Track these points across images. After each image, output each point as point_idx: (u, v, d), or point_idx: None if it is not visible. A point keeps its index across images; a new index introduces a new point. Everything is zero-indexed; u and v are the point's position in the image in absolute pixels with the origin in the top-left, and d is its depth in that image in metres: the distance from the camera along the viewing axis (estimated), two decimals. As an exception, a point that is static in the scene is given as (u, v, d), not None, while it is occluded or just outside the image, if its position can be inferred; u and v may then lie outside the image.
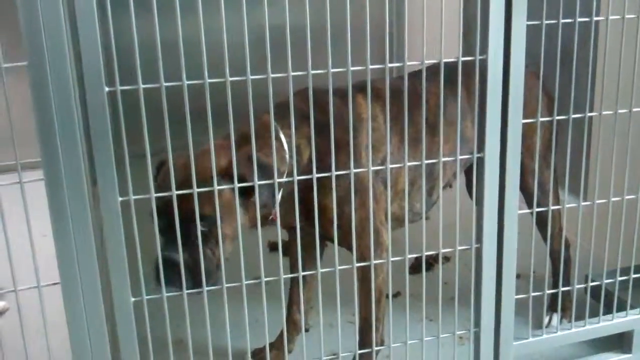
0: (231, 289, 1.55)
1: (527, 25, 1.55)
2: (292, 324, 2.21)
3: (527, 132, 1.70)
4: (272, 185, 1.54)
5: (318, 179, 1.50)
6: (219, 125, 1.50)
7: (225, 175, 1.61)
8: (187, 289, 1.52)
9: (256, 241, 1.53)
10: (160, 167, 1.73)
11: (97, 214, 1.49)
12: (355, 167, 1.63)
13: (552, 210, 1.99)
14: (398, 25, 3.90)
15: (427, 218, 1.86)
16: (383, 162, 1.81)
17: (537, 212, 1.81)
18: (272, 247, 2.71)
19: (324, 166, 1.53)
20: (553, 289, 2.03)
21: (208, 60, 1.39)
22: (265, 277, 1.57)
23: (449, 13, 1.57)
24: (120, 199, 1.43)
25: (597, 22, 1.64)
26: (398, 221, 1.97)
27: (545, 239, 1.98)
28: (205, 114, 1.41)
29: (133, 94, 1.39)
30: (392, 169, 1.68)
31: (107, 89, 1.37)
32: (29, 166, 1.55)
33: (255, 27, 1.53)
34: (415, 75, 1.68)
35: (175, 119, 1.44)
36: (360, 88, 1.76)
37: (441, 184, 1.77)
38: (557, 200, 2.18)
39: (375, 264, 1.68)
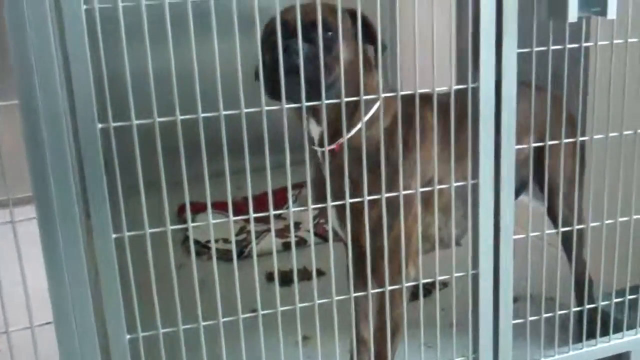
0: (227, 324, 1.54)
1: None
2: (362, 344, 2.13)
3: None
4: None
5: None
6: (215, 157, 1.49)
7: None
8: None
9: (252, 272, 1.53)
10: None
11: (90, 248, 1.47)
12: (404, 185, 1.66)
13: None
14: (391, 54, 3.93)
15: (459, 244, 1.85)
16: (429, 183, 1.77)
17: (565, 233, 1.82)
18: (270, 277, 2.69)
19: None
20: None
21: (202, 92, 1.38)
22: (263, 309, 1.56)
23: (441, 42, 1.57)
24: (114, 235, 1.42)
25: (587, 47, 1.65)
26: (430, 245, 1.94)
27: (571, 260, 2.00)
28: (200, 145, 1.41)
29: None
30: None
31: (99, 125, 1.36)
32: (24, 201, 1.53)
33: (248, 57, 1.52)
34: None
35: (170, 151, 1.44)
36: (426, 101, 1.68)
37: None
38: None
39: (395, 294, 1.66)
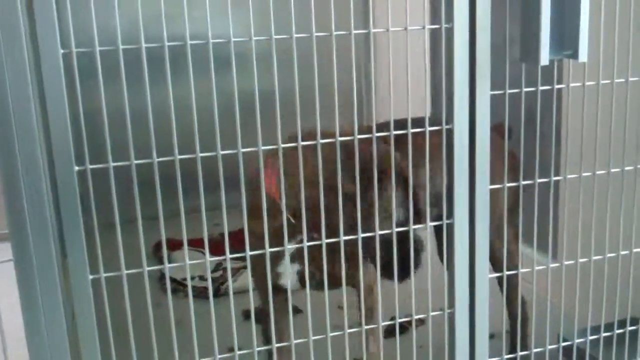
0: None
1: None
2: None
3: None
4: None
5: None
6: (191, 194, 1.50)
7: None
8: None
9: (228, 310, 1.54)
10: None
11: (67, 289, 1.48)
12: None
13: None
14: (366, 87, 3.96)
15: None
16: None
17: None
18: (247, 315, 2.68)
19: None
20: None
21: (179, 131, 1.40)
22: (241, 348, 1.56)
23: (416, 77, 1.60)
24: (91, 277, 1.42)
25: (560, 89, 1.68)
26: None
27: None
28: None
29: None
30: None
31: (76, 168, 1.37)
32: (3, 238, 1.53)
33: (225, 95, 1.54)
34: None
35: (146, 188, 1.44)
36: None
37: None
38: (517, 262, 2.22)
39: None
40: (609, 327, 1.94)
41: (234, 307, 1.57)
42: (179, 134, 1.42)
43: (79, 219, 1.39)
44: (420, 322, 2.67)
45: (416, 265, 1.76)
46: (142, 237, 1.44)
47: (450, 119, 1.60)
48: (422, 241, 1.80)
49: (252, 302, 1.61)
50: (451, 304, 1.72)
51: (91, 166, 1.37)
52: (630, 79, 1.73)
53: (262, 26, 1.48)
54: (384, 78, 1.55)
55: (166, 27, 1.35)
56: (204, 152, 1.45)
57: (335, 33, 1.48)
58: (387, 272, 1.71)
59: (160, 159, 1.41)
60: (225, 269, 3.10)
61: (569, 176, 1.75)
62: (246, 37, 1.42)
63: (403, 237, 1.69)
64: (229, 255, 1.52)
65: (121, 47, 1.34)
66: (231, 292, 1.58)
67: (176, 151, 1.42)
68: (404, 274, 1.74)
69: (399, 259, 1.68)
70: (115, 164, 1.39)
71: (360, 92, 3.96)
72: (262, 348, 1.60)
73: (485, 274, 1.72)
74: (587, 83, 1.69)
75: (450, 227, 1.66)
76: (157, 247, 3.13)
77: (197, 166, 1.42)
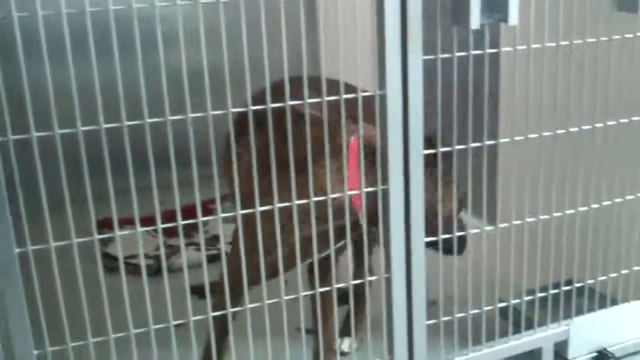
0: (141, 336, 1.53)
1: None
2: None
3: None
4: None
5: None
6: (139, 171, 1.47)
7: None
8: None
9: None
10: None
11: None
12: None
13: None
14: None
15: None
16: None
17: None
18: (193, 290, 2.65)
19: None
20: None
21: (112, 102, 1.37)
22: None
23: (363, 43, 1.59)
24: (17, 250, 1.39)
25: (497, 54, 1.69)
26: None
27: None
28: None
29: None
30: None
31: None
32: None
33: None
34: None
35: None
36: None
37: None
38: None
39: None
40: (543, 289, 1.98)
41: (179, 283, 1.58)
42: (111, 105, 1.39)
43: (3, 192, 1.35)
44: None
45: None
46: (69, 211, 1.41)
47: (383, 84, 1.60)
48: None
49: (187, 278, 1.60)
50: (388, 269, 1.73)
51: (13, 137, 1.33)
52: (562, 42, 1.75)
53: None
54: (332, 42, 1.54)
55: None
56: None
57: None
58: None
59: (85, 128, 1.38)
60: (170, 247, 3.06)
61: (502, 140, 1.76)
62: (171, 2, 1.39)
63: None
64: (160, 226, 1.49)
65: (41, 13, 1.29)
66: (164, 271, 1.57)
67: (102, 120, 1.38)
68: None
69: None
70: (39, 134, 1.35)
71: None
72: (197, 317, 1.58)
73: (421, 238, 1.73)
74: (519, 47, 1.70)
75: (386, 193, 1.67)
76: (101, 225, 3.06)
77: (146, 133, 1.40)
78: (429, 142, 1.69)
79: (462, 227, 1.84)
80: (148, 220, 1.56)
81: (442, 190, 1.77)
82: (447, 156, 1.73)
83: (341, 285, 1.74)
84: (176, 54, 1.42)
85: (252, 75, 1.51)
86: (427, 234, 1.74)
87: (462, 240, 1.82)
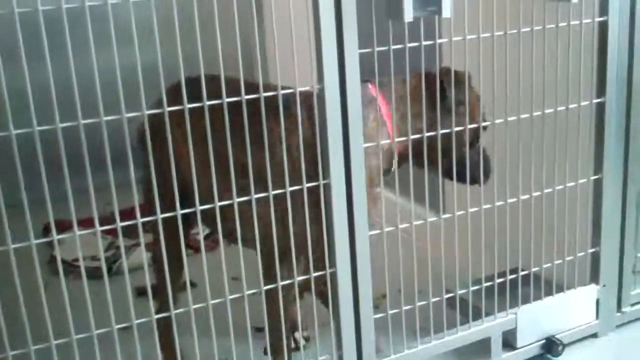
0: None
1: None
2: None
3: None
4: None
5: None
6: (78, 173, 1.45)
7: None
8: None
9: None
10: None
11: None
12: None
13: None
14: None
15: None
16: None
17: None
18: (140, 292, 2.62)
19: None
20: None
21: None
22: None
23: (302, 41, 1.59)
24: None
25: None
26: None
27: None
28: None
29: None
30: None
31: None
32: None
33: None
34: None
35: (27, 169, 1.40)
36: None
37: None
38: None
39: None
40: (489, 278, 2.00)
41: (127, 285, 1.56)
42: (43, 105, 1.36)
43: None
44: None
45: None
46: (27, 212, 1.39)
47: (320, 78, 1.60)
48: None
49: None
50: (332, 264, 1.73)
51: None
52: (496, 33, 1.77)
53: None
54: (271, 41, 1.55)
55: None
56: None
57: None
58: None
59: (19, 131, 1.36)
60: (117, 248, 3.03)
61: (442, 131, 1.78)
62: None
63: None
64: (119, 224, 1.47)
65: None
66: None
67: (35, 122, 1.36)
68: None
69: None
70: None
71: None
72: (141, 320, 1.57)
73: (365, 231, 1.73)
74: (454, 39, 1.72)
75: (327, 187, 1.67)
76: (47, 229, 3.01)
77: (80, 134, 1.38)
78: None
79: (485, 155, 1.95)
80: (92, 223, 1.54)
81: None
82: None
83: (287, 282, 1.73)
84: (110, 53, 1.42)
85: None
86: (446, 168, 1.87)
87: (487, 167, 1.94)
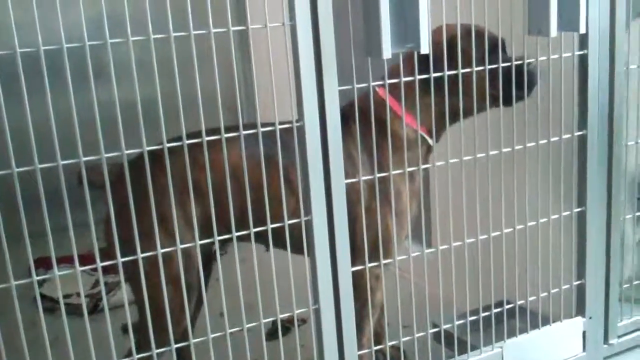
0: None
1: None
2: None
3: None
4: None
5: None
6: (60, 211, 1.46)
7: None
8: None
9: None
10: None
11: None
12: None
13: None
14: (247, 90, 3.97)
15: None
16: None
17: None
18: (125, 329, 2.61)
19: None
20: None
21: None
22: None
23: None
24: None
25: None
26: None
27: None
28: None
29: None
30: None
31: None
32: None
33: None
34: None
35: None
36: None
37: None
38: None
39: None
40: (475, 312, 1.99)
41: (113, 322, 1.56)
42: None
43: None
44: (303, 321, 2.69)
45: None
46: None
47: (300, 115, 1.61)
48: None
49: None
50: (316, 300, 1.72)
51: None
52: (476, 68, 1.78)
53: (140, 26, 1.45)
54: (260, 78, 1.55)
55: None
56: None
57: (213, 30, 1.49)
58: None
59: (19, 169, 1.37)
60: (106, 284, 3.01)
61: (424, 166, 1.79)
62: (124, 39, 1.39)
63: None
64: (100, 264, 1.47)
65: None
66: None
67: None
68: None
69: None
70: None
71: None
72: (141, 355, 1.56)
73: (347, 267, 1.73)
74: (434, 75, 1.73)
75: (309, 224, 1.67)
76: (36, 265, 3.00)
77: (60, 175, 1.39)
78: None
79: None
80: (83, 259, 1.54)
81: None
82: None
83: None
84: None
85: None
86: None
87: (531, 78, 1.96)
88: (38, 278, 1.52)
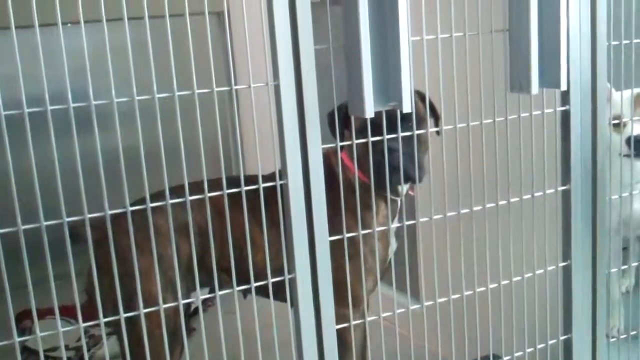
0: None
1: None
2: None
3: None
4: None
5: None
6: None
7: None
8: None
9: None
10: None
11: None
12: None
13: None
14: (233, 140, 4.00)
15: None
16: None
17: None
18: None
19: None
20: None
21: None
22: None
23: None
24: None
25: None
26: None
27: None
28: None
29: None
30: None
31: None
32: None
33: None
34: None
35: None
36: None
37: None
38: None
39: None
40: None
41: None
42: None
43: None
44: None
45: None
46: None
47: (284, 173, 1.62)
48: None
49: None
50: (300, 356, 1.72)
51: None
52: (464, 124, 1.81)
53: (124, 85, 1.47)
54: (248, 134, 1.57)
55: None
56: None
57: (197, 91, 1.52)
58: None
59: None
60: (93, 336, 3.00)
61: (408, 222, 1.80)
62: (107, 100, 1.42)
63: None
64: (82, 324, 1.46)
65: None
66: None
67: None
68: None
69: None
70: None
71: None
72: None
73: (332, 324, 1.73)
74: (417, 132, 1.75)
75: (293, 282, 1.67)
76: (18, 318, 2.99)
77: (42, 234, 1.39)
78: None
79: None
80: (68, 310, 1.53)
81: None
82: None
83: None
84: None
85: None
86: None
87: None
88: (19, 339, 1.50)
